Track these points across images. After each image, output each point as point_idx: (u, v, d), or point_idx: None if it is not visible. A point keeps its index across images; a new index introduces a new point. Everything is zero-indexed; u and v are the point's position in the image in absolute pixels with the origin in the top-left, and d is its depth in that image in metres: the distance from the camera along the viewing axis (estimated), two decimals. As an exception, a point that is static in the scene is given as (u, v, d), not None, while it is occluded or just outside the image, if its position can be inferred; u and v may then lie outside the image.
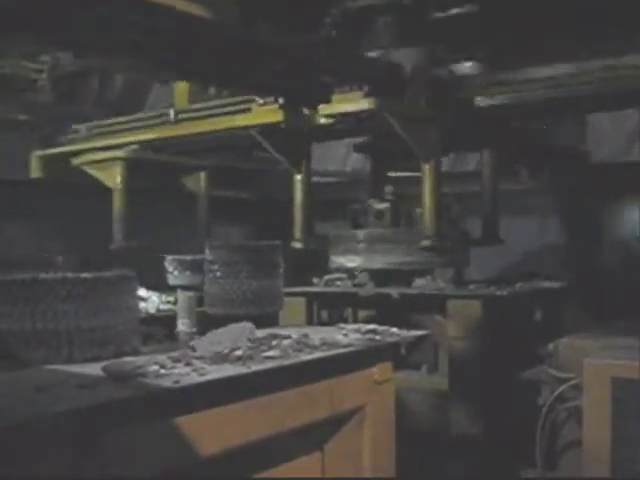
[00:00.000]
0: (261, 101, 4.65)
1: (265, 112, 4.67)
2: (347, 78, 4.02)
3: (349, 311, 4.64)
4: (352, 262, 4.74)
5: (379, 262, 4.67)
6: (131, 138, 5.72)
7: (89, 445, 1.62)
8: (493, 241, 5.08)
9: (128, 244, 5.59)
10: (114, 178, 5.72)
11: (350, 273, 4.79)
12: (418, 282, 4.58)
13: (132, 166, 5.73)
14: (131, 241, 5.60)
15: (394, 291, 4.37)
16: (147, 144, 5.73)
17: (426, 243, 4.36)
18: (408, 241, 4.59)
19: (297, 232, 4.89)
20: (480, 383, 4.09)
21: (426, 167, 4.34)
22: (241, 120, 4.85)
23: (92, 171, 5.81)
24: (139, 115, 5.81)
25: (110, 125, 5.87)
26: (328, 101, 3.94)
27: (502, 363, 4.13)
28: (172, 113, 5.41)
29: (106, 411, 1.67)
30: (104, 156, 5.73)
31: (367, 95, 4.05)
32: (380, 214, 4.86)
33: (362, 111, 4.16)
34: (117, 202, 5.70)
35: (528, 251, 6.19)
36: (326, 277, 4.83)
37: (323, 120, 4.39)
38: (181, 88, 5.54)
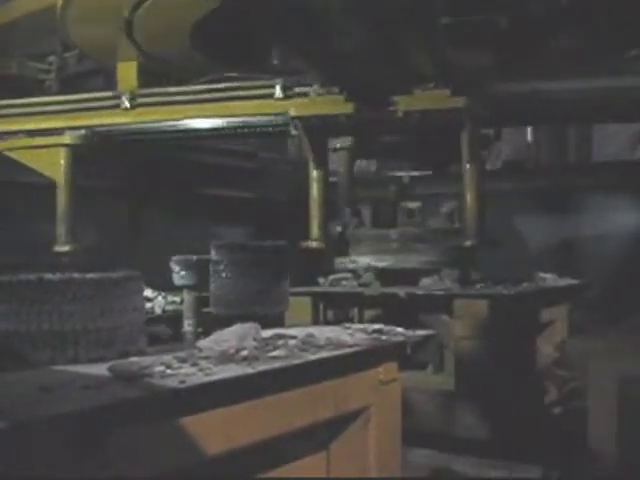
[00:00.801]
0: (321, 90, 4.47)
1: (329, 102, 4.45)
2: (432, 75, 4.04)
3: (355, 311, 4.64)
4: (383, 262, 4.71)
5: (414, 262, 4.65)
6: (71, 122, 4.86)
7: (94, 446, 1.62)
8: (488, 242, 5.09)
9: (74, 246, 4.73)
10: (56, 169, 4.79)
11: (355, 273, 4.78)
12: (424, 281, 4.57)
13: (79, 155, 4.88)
14: (77, 243, 4.72)
15: (401, 291, 4.36)
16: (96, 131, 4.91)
17: (469, 243, 4.36)
18: (442, 240, 4.60)
19: (315, 231, 4.80)
20: (487, 383, 4.08)
21: (470, 167, 4.35)
22: (298, 109, 4.45)
23: (24, 159, 4.88)
24: (75, 96, 5.05)
25: (26, 106, 5.04)
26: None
27: (509, 362, 4.12)
28: (126, 98, 4.77)
29: (112, 412, 1.67)
30: (42, 142, 4.82)
31: (453, 94, 4.07)
32: (412, 213, 4.87)
33: (448, 109, 4.16)
34: (61, 197, 4.80)
35: (532, 250, 6.18)
36: (331, 277, 4.82)
37: (400, 114, 4.32)
38: (126, 69, 4.90)
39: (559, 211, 6.29)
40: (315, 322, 4.48)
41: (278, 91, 4.63)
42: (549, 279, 5.07)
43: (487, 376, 4.08)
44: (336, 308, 4.70)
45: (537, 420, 3.55)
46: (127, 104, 4.79)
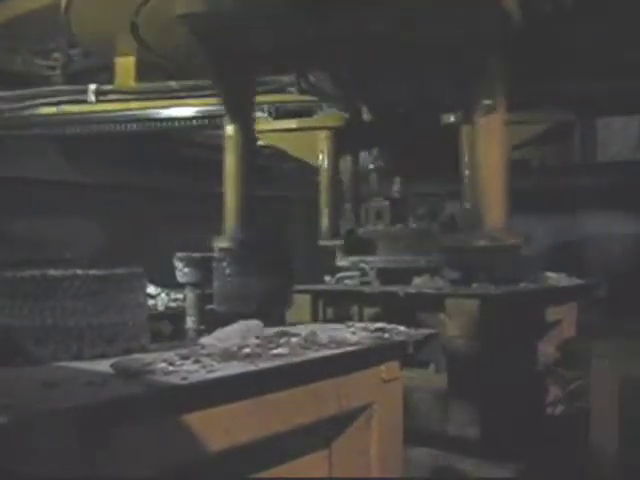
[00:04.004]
0: None
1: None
2: None
3: (355, 309, 4.64)
4: (385, 260, 4.72)
5: (414, 261, 4.68)
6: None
7: (98, 442, 1.63)
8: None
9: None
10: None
11: (363, 271, 4.78)
12: (416, 281, 4.57)
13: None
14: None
15: (400, 289, 4.36)
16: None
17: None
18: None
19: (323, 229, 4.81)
20: (479, 382, 4.07)
21: None
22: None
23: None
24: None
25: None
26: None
27: (503, 361, 4.11)
28: (92, 92, 5.02)
29: (115, 408, 1.68)
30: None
31: None
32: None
33: None
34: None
35: (540, 249, 6.17)
36: (338, 275, 4.82)
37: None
38: (124, 64, 4.93)
39: (565, 210, 6.28)
40: (315, 320, 4.47)
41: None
42: (552, 279, 5.04)
43: (478, 375, 4.06)
44: (336, 306, 4.70)
45: (536, 420, 3.54)
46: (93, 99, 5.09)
